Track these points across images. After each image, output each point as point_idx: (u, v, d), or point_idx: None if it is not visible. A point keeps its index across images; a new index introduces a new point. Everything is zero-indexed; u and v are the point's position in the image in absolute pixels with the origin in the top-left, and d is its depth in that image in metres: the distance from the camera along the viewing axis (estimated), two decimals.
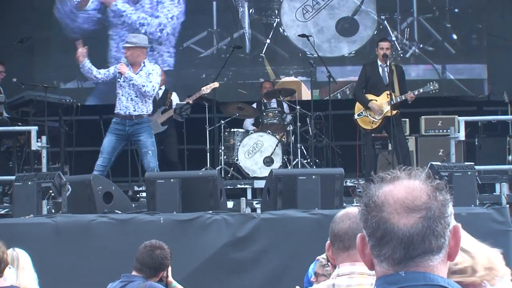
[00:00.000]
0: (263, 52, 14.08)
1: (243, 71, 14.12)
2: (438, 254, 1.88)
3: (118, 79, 10.19)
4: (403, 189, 1.90)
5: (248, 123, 12.95)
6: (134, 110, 10.17)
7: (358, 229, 2.94)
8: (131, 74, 10.07)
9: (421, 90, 11.35)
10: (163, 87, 12.38)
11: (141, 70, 10.16)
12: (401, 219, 1.87)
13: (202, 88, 11.82)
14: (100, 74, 10.33)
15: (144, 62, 10.23)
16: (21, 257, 5.50)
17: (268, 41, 14.05)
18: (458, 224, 1.93)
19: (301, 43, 13.85)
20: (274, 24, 14.13)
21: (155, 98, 12.26)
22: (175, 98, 12.45)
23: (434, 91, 11.54)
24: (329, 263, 4.39)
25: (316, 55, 12.87)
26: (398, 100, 11.28)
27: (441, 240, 1.88)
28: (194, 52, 14.09)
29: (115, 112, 10.29)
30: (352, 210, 3.07)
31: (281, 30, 14.12)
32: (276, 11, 14.15)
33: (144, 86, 10.03)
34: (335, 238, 3.04)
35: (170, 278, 5.89)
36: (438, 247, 1.88)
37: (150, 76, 10.12)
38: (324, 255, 4.49)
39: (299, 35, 13.47)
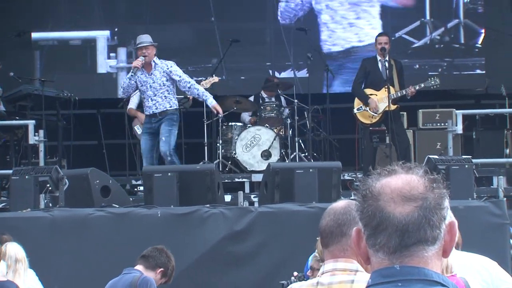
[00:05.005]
0: (479, 43, 13.68)
1: (456, 62, 13.71)
2: (433, 245, 1.89)
3: (143, 83, 10.18)
4: (400, 180, 1.92)
5: (245, 115, 12.93)
6: (156, 108, 10.25)
7: (334, 226, 2.93)
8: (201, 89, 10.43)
9: (422, 85, 11.32)
10: None
11: (155, 69, 10.16)
12: (397, 207, 1.88)
13: (202, 83, 11.78)
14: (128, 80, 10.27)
15: (154, 61, 10.24)
16: (15, 252, 5.49)
17: (483, 31, 13.60)
18: (455, 220, 1.93)
19: None
20: None
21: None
22: None
23: (435, 87, 11.48)
24: None
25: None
26: (399, 94, 11.26)
27: (436, 231, 1.89)
28: (406, 42, 13.67)
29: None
30: (336, 205, 2.99)
31: None
32: None
33: (197, 89, 10.33)
34: (319, 234, 3.01)
35: None
36: (433, 237, 1.89)
37: (179, 73, 10.23)
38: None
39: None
